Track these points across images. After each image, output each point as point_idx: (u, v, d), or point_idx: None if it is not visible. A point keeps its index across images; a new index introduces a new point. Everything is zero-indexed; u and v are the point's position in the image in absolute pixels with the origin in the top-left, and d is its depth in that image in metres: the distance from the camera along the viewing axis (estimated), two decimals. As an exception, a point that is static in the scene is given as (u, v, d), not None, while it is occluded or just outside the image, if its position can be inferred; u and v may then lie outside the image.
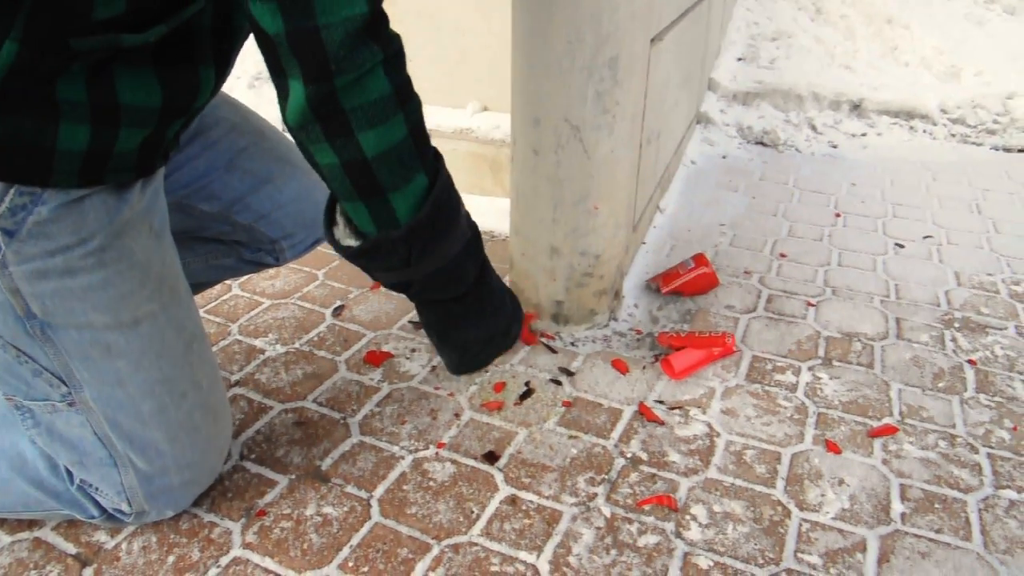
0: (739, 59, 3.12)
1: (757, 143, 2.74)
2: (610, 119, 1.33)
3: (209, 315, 1.62)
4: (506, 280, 1.71)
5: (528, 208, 1.43)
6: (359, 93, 0.75)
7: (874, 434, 1.25)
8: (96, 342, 0.87)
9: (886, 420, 1.29)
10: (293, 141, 1.25)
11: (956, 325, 1.60)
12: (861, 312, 1.64)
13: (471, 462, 1.20)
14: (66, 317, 0.85)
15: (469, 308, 1.01)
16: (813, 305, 1.66)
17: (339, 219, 0.92)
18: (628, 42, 1.30)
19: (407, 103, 0.80)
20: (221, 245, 1.25)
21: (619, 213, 1.46)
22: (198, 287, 1.31)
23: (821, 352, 1.49)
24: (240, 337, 1.54)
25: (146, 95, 0.82)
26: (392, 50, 0.77)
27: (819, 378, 1.41)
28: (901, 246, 1.96)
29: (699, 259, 1.69)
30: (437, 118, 2.18)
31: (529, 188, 1.41)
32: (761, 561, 1.01)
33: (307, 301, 1.67)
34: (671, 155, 2.21)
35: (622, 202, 1.46)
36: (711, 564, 1.01)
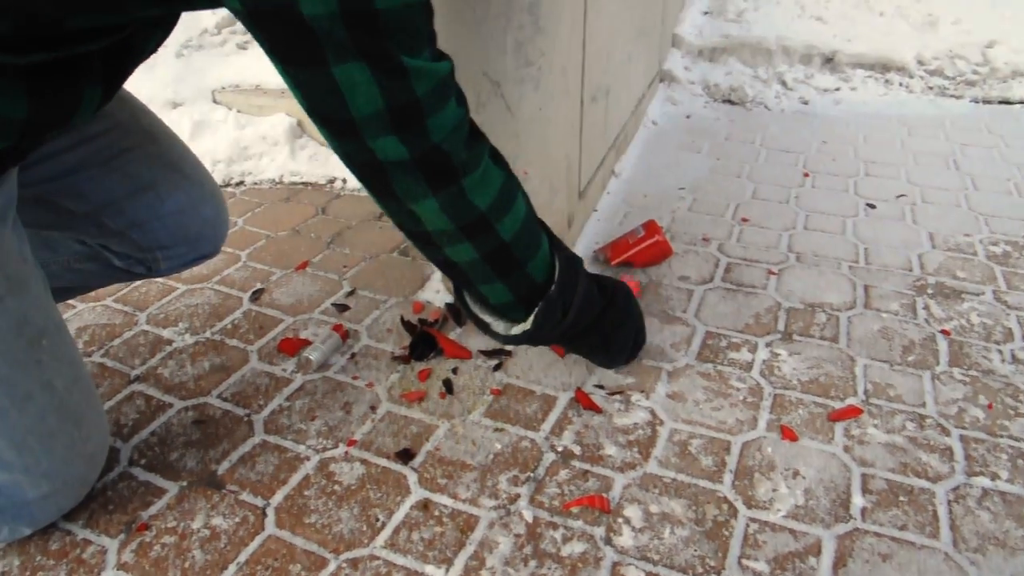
0: (705, 13, 2.96)
1: (724, 101, 2.58)
2: (535, 72, 1.18)
3: (117, 303, 1.48)
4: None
5: (451, 175, 1.28)
6: (485, 189, 0.84)
7: (835, 417, 1.12)
8: None
9: (849, 401, 1.16)
10: (186, 148, 1.13)
11: (929, 292, 1.46)
12: (827, 280, 1.51)
13: (383, 462, 1.06)
14: None
15: (613, 310, 1.11)
16: (775, 274, 1.53)
17: (475, 307, 1.03)
18: (552, -17, 1.15)
19: (514, 178, 0.90)
20: (85, 248, 1.12)
21: (554, 178, 1.31)
22: (60, 292, 1.17)
23: (781, 326, 1.36)
24: (148, 327, 1.40)
25: (8, 107, 0.70)
26: (488, 140, 0.85)
27: (777, 355, 1.27)
28: (872, 207, 1.83)
29: (650, 227, 1.55)
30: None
31: (450, 152, 1.26)
32: (700, 570, 0.89)
33: (225, 285, 1.53)
34: (628, 115, 2.06)
35: (558, 166, 1.31)
36: (642, 575, 0.88)
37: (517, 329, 0.99)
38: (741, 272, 1.54)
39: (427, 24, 0.73)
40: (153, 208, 1.07)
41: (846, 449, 1.07)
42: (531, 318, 0.97)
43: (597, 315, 1.07)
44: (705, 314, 1.39)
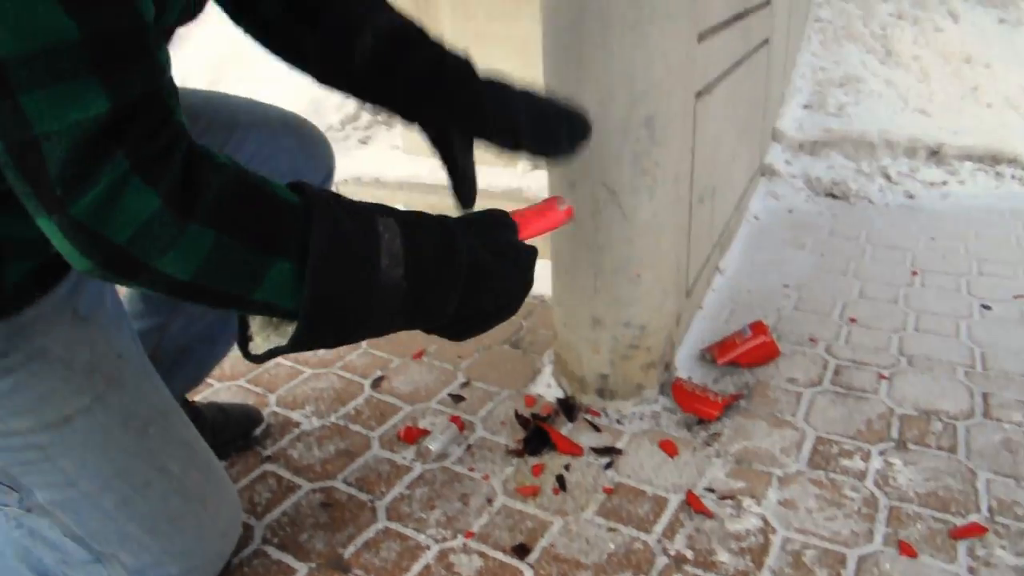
0: (805, 106, 3.00)
1: (826, 195, 2.59)
2: (649, 181, 1.25)
3: (249, 384, 1.59)
4: (551, 352, 1.63)
5: (568, 277, 1.36)
6: (121, 219, 0.58)
7: (957, 535, 1.10)
8: (28, 446, 0.82)
9: (972, 518, 1.14)
10: (238, 102, 1.12)
11: (1053, 400, 1.42)
12: (942, 386, 1.48)
13: (500, 555, 1.11)
14: None
15: (469, 313, 0.80)
16: (886, 378, 1.52)
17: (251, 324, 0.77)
18: (666, 99, 1.22)
19: (197, 206, 0.60)
20: None
21: (665, 280, 1.36)
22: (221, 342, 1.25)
23: (895, 433, 1.34)
24: (277, 409, 1.50)
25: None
26: (155, 149, 0.59)
27: (892, 464, 1.26)
28: (988, 308, 1.79)
29: (757, 327, 1.57)
30: (488, 178, 2.14)
31: (568, 256, 1.34)
32: None
33: (348, 371, 1.63)
34: (731, 211, 2.10)
35: (669, 268, 1.37)
36: None
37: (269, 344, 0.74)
38: (851, 375, 1.53)
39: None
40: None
41: (971, 571, 1.04)
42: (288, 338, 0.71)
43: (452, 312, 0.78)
44: (815, 418, 1.39)
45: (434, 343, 1.71)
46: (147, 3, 0.59)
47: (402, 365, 1.64)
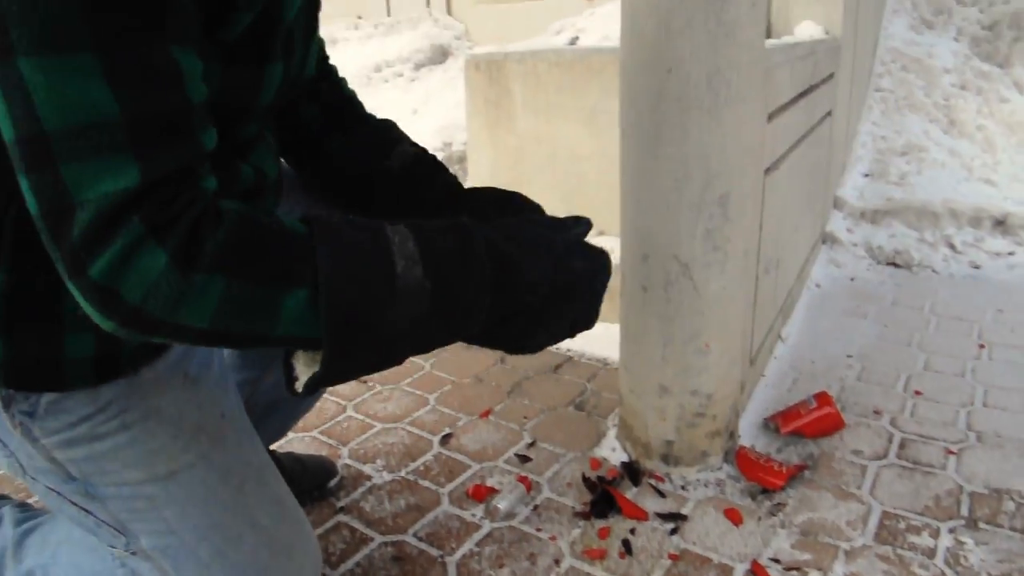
0: (866, 175, 3.02)
1: (888, 264, 2.59)
2: (721, 256, 1.30)
3: (322, 436, 1.66)
4: (615, 416, 1.67)
5: (637, 345, 1.40)
6: (133, 279, 0.59)
7: (1031, 618, 1.09)
8: (138, 495, 0.88)
9: (1046, 601, 1.13)
10: None
11: None
12: (1014, 463, 1.47)
13: (569, 618, 1.13)
14: (102, 477, 0.87)
15: (514, 322, 0.77)
16: (954, 453, 1.51)
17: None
18: (739, 178, 1.28)
19: (200, 258, 0.60)
20: None
21: (733, 351, 1.40)
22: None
23: (964, 511, 1.34)
24: (350, 461, 1.56)
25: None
26: (170, 213, 0.60)
27: (962, 543, 1.26)
28: (1058, 385, 1.77)
29: (822, 398, 1.58)
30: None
31: (638, 325, 1.38)
32: None
33: (416, 427, 1.68)
34: (793, 280, 2.13)
35: (736, 339, 1.40)
36: None
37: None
38: (917, 449, 1.53)
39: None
40: None
41: (1047, 656, 1.03)
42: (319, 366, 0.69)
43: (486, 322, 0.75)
44: (881, 492, 1.40)
45: (500, 402, 1.76)
46: (197, 86, 0.63)
47: (470, 423, 1.69)
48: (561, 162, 2.24)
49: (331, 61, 1.14)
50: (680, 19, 1.16)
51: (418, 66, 3.32)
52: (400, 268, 0.67)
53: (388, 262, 0.67)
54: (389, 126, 1.10)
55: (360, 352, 0.68)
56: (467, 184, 1.08)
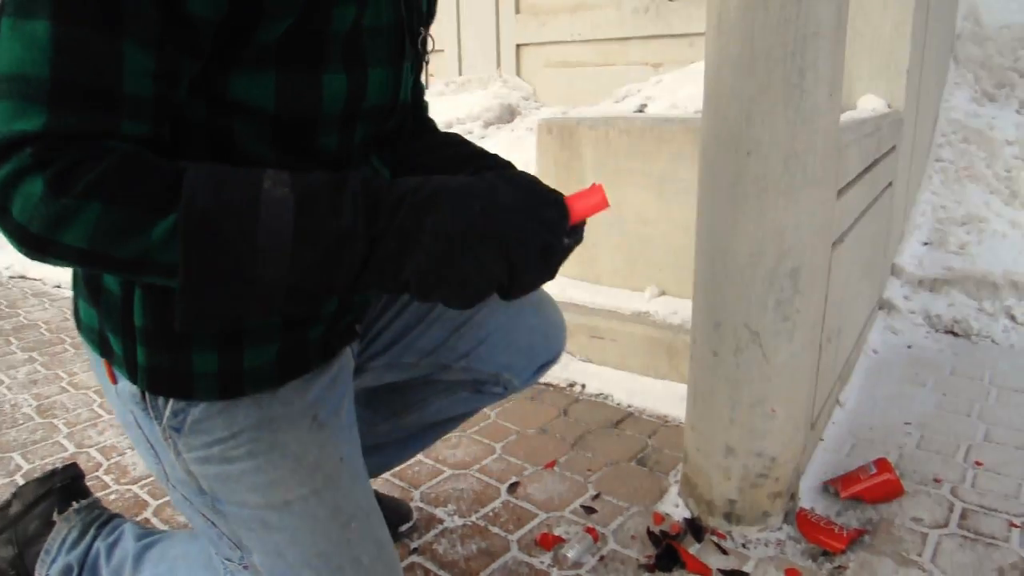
0: (925, 244, 3.05)
1: (947, 332, 2.61)
2: (790, 326, 1.36)
3: (394, 478, 1.74)
4: (678, 472, 1.72)
5: (705, 407, 1.47)
6: (19, 202, 0.65)
7: None
8: (255, 518, 0.97)
9: None
10: None
11: None
12: (1075, 541, 1.49)
13: (638, 668, 1.19)
14: (228, 495, 0.96)
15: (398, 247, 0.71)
16: (1017, 527, 1.53)
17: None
18: (810, 253, 1.35)
19: (77, 184, 0.65)
20: (445, 385, 1.28)
21: (797, 416, 1.45)
22: (439, 426, 1.37)
23: (1028, 586, 1.36)
24: (422, 504, 1.64)
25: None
26: (57, 152, 0.65)
27: (1026, 618, 1.28)
28: (1123, 464, 1.78)
29: (882, 464, 1.62)
30: (616, 300, 2.30)
31: (707, 388, 1.45)
32: None
33: (484, 474, 1.76)
34: (851, 346, 2.17)
35: (801, 405, 1.46)
36: None
37: None
38: (979, 520, 1.55)
39: None
40: (476, 336, 1.20)
41: None
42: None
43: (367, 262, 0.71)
44: (943, 562, 1.42)
45: (564, 453, 1.83)
46: (138, 80, 0.67)
47: (535, 474, 1.76)
48: (628, 224, 2.34)
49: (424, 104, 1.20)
50: (761, 107, 1.25)
51: (487, 124, 3.48)
52: (267, 186, 0.68)
53: (253, 181, 0.68)
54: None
55: (215, 271, 0.67)
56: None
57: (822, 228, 1.38)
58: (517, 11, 3.95)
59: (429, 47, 1.05)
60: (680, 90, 2.85)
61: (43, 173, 0.64)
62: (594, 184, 0.78)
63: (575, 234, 0.78)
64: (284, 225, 0.67)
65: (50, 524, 1.27)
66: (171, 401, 0.91)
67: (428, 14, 1.08)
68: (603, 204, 0.78)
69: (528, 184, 0.76)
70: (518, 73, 3.96)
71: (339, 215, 0.68)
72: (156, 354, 0.88)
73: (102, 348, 0.93)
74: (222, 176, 0.68)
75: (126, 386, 0.92)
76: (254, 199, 0.67)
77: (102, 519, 1.28)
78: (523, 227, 0.71)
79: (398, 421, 1.31)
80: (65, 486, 1.31)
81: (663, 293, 2.30)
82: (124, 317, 0.87)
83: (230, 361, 0.90)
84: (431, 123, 1.19)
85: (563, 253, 0.76)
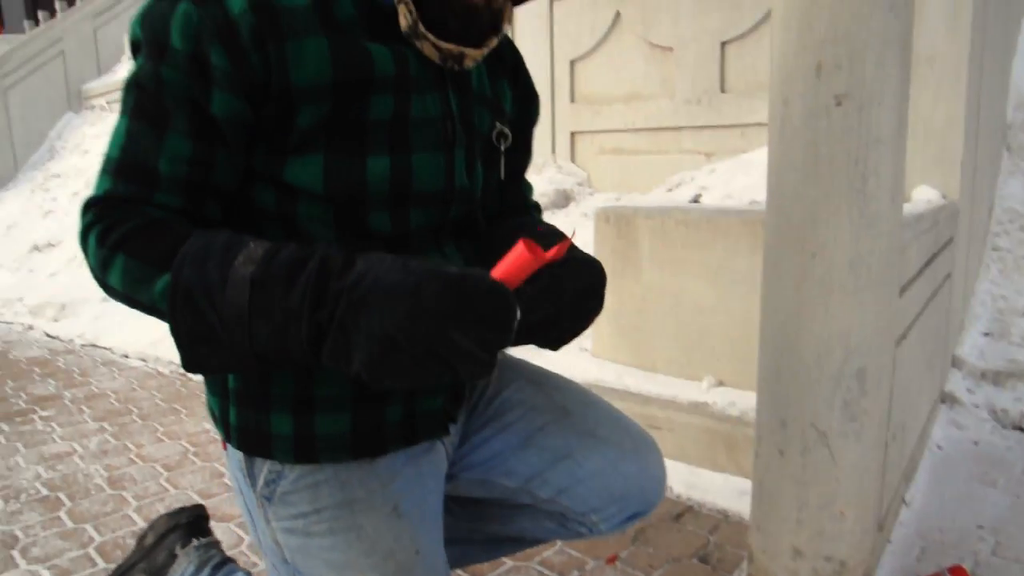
0: (986, 334, 2.99)
1: (1015, 428, 2.54)
2: (857, 427, 1.36)
3: (457, 568, 1.74)
4: (742, 571, 1.69)
5: (771, 506, 1.45)
6: (86, 248, 0.84)
7: None
8: None
9: None
10: (604, 410, 1.24)
11: None
12: None
13: None
14: (307, 569, 1.00)
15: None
16: (1103, 644, 1.46)
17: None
18: (876, 353, 1.35)
19: (110, 240, 0.81)
20: (533, 511, 1.26)
21: (866, 518, 1.43)
22: (519, 542, 1.36)
23: None
24: (480, 594, 1.64)
25: (338, 386, 0.94)
26: (108, 212, 0.82)
27: None
28: None
29: (958, 572, 1.57)
30: (673, 389, 2.30)
31: (773, 487, 1.44)
32: None
33: (546, 566, 1.75)
34: (915, 442, 2.13)
35: (870, 507, 1.44)
36: None
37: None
38: (1061, 636, 1.49)
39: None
40: (573, 474, 1.17)
41: None
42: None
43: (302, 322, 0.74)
44: None
45: (625, 548, 1.81)
46: (172, 163, 0.82)
47: (597, 568, 1.74)
48: (684, 313, 2.36)
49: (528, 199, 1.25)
50: (826, 210, 1.28)
51: (542, 209, 3.57)
52: (238, 263, 0.75)
53: (230, 258, 0.76)
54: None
55: (196, 333, 0.76)
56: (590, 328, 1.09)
57: (886, 327, 1.39)
58: (572, 100, 4.09)
59: (504, 142, 1.09)
60: (734, 180, 2.91)
61: (98, 227, 0.81)
62: (518, 241, 0.74)
63: (530, 304, 0.84)
64: (242, 301, 0.74)
65: (174, 556, 1.36)
66: (265, 470, 0.97)
67: (523, 114, 1.16)
68: (530, 259, 0.72)
69: (458, 279, 0.72)
70: (572, 159, 4.08)
71: (288, 296, 0.73)
72: (243, 413, 0.95)
73: (214, 413, 1.01)
74: (210, 249, 0.76)
75: (234, 452, 1.00)
76: (223, 277, 0.75)
77: (217, 560, 1.35)
78: (447, 332, 0.70)
79: (480, 526, 1.31)
80: (190, 523, 1.40)
81: (721, 383, 2.29)
82: (222, 379, 0.97)
83: (304, 425, 0.95)
84: (525, 207, 1.22)
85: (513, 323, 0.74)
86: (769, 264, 1.40)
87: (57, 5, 10.53)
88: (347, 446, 0.97)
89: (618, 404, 2.33)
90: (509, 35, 1.09)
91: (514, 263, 0.73)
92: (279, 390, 0.94)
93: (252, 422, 0.95)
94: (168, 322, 0.78)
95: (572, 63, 4.06)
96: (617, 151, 3.88)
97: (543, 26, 4.08)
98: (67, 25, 10.12)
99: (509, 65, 1.13)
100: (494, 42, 0.96)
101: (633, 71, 3.83)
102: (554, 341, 0.96)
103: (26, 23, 11.88)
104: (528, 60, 1.21)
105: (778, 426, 1.40)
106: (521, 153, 1.19)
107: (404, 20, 0.88)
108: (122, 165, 0.83)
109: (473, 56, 0.94)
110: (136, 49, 0.84)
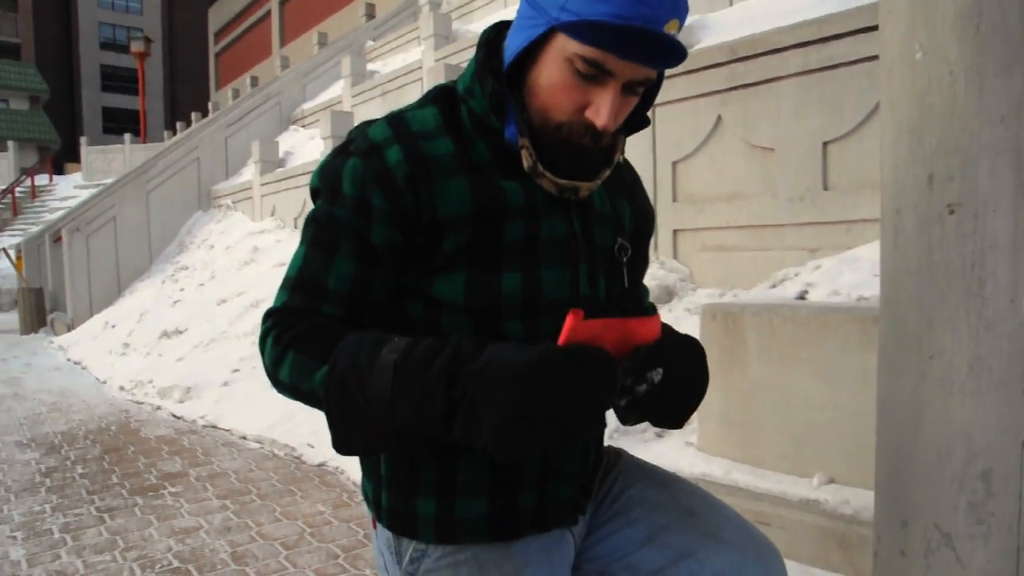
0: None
1: None
2: (985, 529, 1.34)
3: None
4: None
5: (895, 609, 1.44)
6: (264, 346, 0.99)
7: None
8: None
9: None
10: (728, 514, 1.26)
11: None
12: None
13: None
14: None
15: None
16: None
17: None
18: (1001, 455, 1.35)
19: (284, 339, 0.97)
20: None
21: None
22: None
23: None
24: None
25: (476, 472, 1.03)
26: (283, 319, 0.99)
27: None
28: None
29: None
30: (782, 485, 2.28)
31: (896, 589, 1.43)
32: None
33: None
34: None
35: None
36: None
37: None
38: None
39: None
40: (695, 573, 1.18)
41: None
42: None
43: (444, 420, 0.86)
44: None
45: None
46: (337, 280, 0.97)
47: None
48: (793, 409, 2.36)
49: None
50: (943, 313, 1.32)
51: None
52: (384, 352, 0.88)
53: (378, 349, 0.89)
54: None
55: (346, 413, 0.89)
56: (696, 423, 1.15)
57: (1012, 428, 1.38)
58: (674, 199, 4.21)
59: (625, 254, 1.20)
60: (840, 277, 2.92)
61: (274, 331, 0.98)
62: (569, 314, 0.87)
63: (637, 375, 0.92)
64: (386, 384, 0.86)
65: None
66: (411, 549, 1.06)
67: (641, 227, 1.27)
68: (573, 321, 0.86)
69: (576, 353, 0.85)
70: (675, 256, 4.16)
71: (426, 377, 0.86)
72: (393, 497, 1.06)
73: (367, 495, 1.12)
74: (362, 343, 0.90)
75: (382, 532, 1.09)
76: (371, 364, 0.88)
77: None
78: (571, 399, 0.83)
79: None
80: None
81: (832, 480, 2.26)
82: (376, 466, 1.08)
83: (445, 508, 1.04)
84: (643, 309, 1.32)
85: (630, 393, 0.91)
86: (884, 365, 1.43)
87: (192, 116, 11.62)
88: (484, 529, 1.05)
89: (726, 499, 2.33)
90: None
91: (565, 328, 0.87)
92: (424, 477, 1.05)
93: (400, 505, 1.06)
94: (324, 407, 0.91)
95: (674, 164, 4.20)
96: (719, 248, 3.95)
97: (646, 130, 4.25)
98: (204, 135, 11.21)
99: (627, 184, 1.25)
100: (607, 173, 1.07)
101: (735, 171, 3.93)
102: (670, 419, 1.04)
103: (165, 132, 13.11)
104: (632, 162, 1.33)
105: (899, 526, 1.40)
106: (639, 262, 1.29)
107: (526, 162, 1.01)
108: (298, 282, 1.00)
109: (588, 187, 1.06)
110: (315, 194, 1.03)
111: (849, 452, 2.26)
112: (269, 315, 1.00)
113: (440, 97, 1.05)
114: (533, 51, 0.97)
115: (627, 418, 0.97)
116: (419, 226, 0.97)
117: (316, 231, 1.00)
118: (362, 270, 0.98)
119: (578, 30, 0.89)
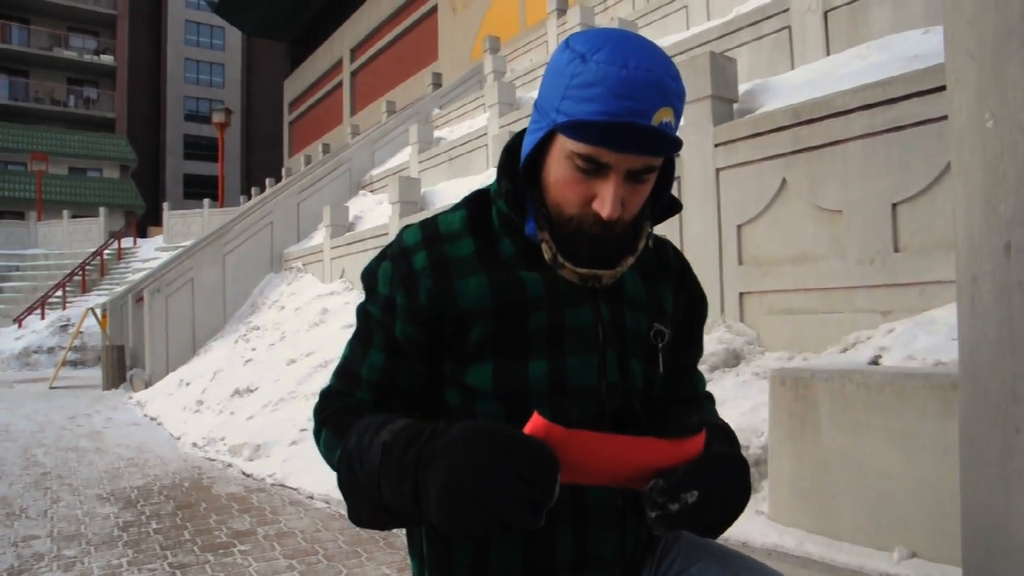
0: None
1: None
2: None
3: None
4: None
5: None
6: (315, 424, 1.11)
7: None
8: None
9: None
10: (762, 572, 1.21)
11: None
12: None
13: None
14: None
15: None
16: None
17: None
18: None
19: (321, 418, 1.10)
20: None
21: None
22: None
23: None
24: None
25: (509, 554, 1.05)
26: (321, 407, 1.11)
27: None
28: None
29: None
30: (860, 559, 2.20)
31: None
32: None
33: None
34: None
35: None
36: None
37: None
38: None
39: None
40: None
41: None
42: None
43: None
44: None
45: None
46: (371, 369, 1.08)
47: None
48: (869, 478, 2.28)
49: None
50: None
51: (713, 368, 3.60)
52: (382, 433, 0.95)
53: (379, 430, 0.96)
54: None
55: (350, 488, 0.98)
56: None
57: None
58: (740, 262, 4.18)
59: (661, 340, 1.18)
60: (915, 341, 2.84)
61: (318, 410, 1.11)
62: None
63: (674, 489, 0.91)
64: (375, 462, 0.93)
65: None
66: None
67: (693, 313, 1.25)
68: (543, 428, 0.85)
69: (505, 435, 0.85)
70: (741, 319, 4.11)
71: (403, 457, 0.91)
72: (434, 575, 1.10)
73: (414, 573, 1.16)
74: (370, 425, 0.98)
75: None
76: (369, 444, 0.95)
77: None
78: (494, 482, 0.82)
79: None
80: None
81: (913, 555, 2.16)
82: (419, 544, 1.13)
83: None
84: (696, 397, 1.29)
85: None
86: (966, 439, 1.39)
87: (267, 182, 12.12)
88: None
89: (800, 572, 2.27)
90: (671, 237, 1.22)
91: (525, 428, 0.87)
92: (460, 557, 1.08)
93: None
94: (337, 480, 1.02)
95: (739, 227, 4.18)
96: (787, 311, 3.88)
97: (710, 194, 4.27)
98: (277, 200, 11.68)
99: (674, 271, 1.24)
100: (630, 261, 1.08)
101: (801, 233, 3.89)
102: (705, 531, 1.00)
103: (241, 197, 13.70)
104: (696, 226, 1.35)
105: (984, 604, 1.34)
106: (691, 349, 1.28)
107: (547, 254, 1.05)
108: (340, 369, 1.13)
109: (609, 275, 1.07)
110: (364, 291, 1.16)
111: (931, 525, 2.17)
112: (320, 395, 1.13)
113: (472, 200, 1.14)
114: (542, 151, 1.04)
115: (657, 528, 0.94)
116: (443, 322, 1.05)
117: (358, 324, 1.13)
118: (390, 361, 1.08)
119: (571, 129, 0.95)
